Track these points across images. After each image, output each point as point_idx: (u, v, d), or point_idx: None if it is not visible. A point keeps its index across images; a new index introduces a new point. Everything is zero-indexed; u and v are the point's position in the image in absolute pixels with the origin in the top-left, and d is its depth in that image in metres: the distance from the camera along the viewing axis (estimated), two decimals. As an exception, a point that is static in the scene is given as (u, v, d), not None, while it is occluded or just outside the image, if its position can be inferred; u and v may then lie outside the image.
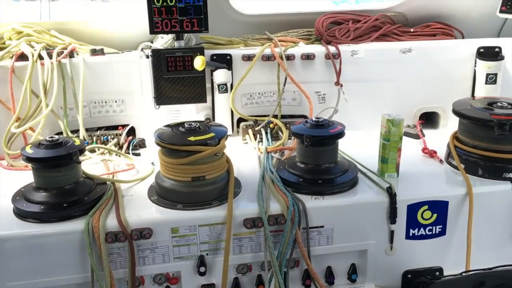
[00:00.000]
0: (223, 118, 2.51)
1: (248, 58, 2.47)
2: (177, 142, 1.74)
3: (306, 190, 1.87)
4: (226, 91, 2.46)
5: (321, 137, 1.89)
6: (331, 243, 1.85)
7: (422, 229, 1.91)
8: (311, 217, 1.79)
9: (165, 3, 2.24)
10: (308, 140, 1.86)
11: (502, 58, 2.46)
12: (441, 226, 1.92)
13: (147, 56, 2.35)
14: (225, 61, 2.46)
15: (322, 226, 1.83)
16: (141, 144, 2.38)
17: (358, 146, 2.26)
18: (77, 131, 2.33)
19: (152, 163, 2.13)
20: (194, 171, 1.75)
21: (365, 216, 1.86)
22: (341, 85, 2.52)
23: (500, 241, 1.98)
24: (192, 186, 1.77)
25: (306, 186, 1.89)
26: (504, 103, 2.05)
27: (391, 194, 1.84)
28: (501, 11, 2.60)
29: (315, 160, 1.94)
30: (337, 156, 1.98)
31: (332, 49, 2.53)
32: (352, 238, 1.87)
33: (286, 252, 1.72)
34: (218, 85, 2.44)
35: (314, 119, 1.95)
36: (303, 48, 2.56)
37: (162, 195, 1.82)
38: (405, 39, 2.69)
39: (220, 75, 2.44)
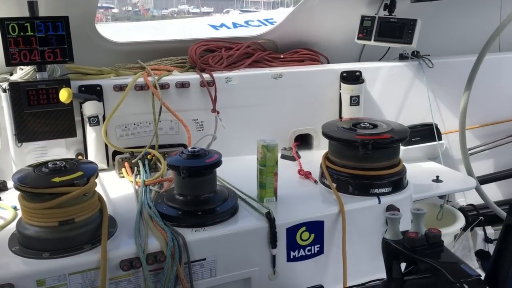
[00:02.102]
0: (96, 152, 2.37)
1: (120, 88, 2.38)
2: (39, 185, 1.59)
3: (186, 223, 1.83)
4: (98, 123, 2.33)
5: (198, 168, 1.86)
6: (215, 275, 1.81)
7: (302, 250, 1.96)
8: (193, 251, 1.75)
9: (22, 33, 2.07)
10: (185, 171, 1.82)
11: (363, 81, 2.66)
12: (319, 245, 1.99)
13: (4, 90, 2.15)
14: (95, 92, 2.34)
15: (204, 259, 1.79)
16: (2, 187, 2.15)
17: (238, 172, 2.28)
18: None
19: (15, 207, 1.93)
20: (61, 214, 1.61)
21: (247, 244, 1.86)
22: (218, 112, 2.53)
23: (374, 253, 2.07)
24: (59, 231, 1.62)
25: (186, 219, 1.84)
26: (366, 123, 2.21)
27: (270, 219, 1.87)
28: (358, 38, 2.83)
29: (194, 191, 1.90)
30: (216, 185, 1.97)
31: (206, 76, 2.53)
32: (235, 267, 1.85)
33: (168, 291, 1.65)
34: (89, 118, 2.31)
35: (190, 149, 1.92)
36: (177, 76, 2.53)
37: (25, 244, 1.64)
38: (276, 65, 2.79)
39: (90, 107, 2.31)
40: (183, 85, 2.48)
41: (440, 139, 2.70)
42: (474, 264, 2.71)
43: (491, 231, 2.77)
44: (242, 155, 2.53)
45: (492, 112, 2.91)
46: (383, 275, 2.09)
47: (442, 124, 2.76)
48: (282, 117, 2.70)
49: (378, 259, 2.07)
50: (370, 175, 2.10)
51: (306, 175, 2.31)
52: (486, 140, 2.76)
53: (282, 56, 2.85)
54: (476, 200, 2.84)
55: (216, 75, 2.55)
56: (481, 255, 2.76)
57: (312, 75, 2.72)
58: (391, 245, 1.30)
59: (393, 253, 1.31)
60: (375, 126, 2.19)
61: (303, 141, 2.78)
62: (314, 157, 2.55)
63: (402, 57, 2.85)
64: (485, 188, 2.75)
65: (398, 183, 2.13)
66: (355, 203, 2.05)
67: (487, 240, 2.78)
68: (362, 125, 2.20)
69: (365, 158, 2.08)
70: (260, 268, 1.89)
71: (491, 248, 2.78)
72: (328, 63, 2.97)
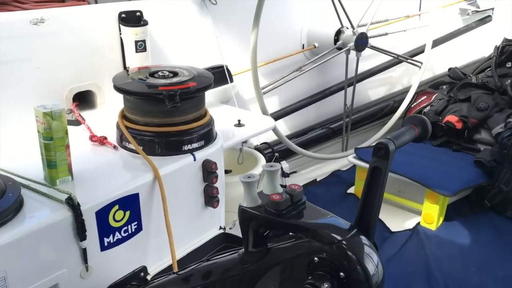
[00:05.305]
0: None
1: None
2: None
3: None
4: None
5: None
6: (8, 295, 1.34)
7: (117, 233, 1.62)
8: (-33, 274, 1.23)
9: None
10: None
11: (146, 23, 2.30)
12: (136, 223, 1.68)
13: None
14: None
15: (-11, 278, 1.29)
16: None
17: (11, 150, 1.77)
18: None
19: None
20: None
21: (46, 244, 1.42)
22: (-40, 74, 1.86)
23: (196, 212, 1.90)
24: None
25: None
26: (165, 71, 1.90)
27: (74, 206, 1.45)
28: (132, -29, 2.42)
29: (-50, 191, 1.33)
30: (-17, 176, 1.42)
31: None
32: (35, 277, 1.40)
33: None
34: None
35: None
36: None
37: None
38: (31, 7, 2.20)
39: None
40: None
41: (231, 81, 2.60)
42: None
43: (286, 165, 2.87)
44: (6, 125, 1.96)
45: (278, 47, 2.93)
46: (210, 232, 1.96)
47: (233, 65, 2.64)
48: (52, 73, 2.16)
49: (201, 215, 1.91)
50: (179, 131, 1.83)
51: (101, 140, 1.90)
52: (275, 77, 2.76)
53: (36, -4, 2.26)
54: (267, 137, 2.89)
55: None
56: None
57: (83, 18, 2.22)
58: (253, 213, 1.10)
59: (256, 222, 1.11)
60: (175, 74, 1.90)
61: (83, 100, 2.30)
62: (102, 118, 2.14)
63: (182, -6, 2.58)
64: (276, 124, 2.81)
65: (209, 135, 1.93)
66: (169, 165, 1.77)
67: (284, 174, 2.88)
68: (161, 73, 1.89)
69: (172, 112, 1.80)
70: (69, 268, 1.48)
71: (288, 180, 2.89)
72: (96, 2, 2.51)
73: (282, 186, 1.18)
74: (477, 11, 4.00)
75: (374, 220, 1.09)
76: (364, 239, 1.05)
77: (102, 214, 1.55)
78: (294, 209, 1.10)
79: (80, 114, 2.13)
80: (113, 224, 1.60)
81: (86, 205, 1.49)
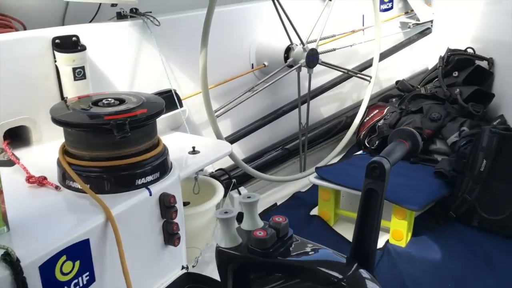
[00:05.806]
0: None
1: None
2: None
3: None
4: None
5: None
6: None
7: (67, 289, 1.39)
8: None
9: None
10: None
11: (84, 48, 2.10)
12: (88, 273, 1.46)
13: None
14: None
15: None
16: None
17: None
18: None
19: None
20: None
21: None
22: None
23: (156, 252, 1.71)
24: None
25: None
26: (110, 99, 1.71)
27: (12, 262, 1.23)
28: (65, -6, 2.22)
29: None
30: None
31: None
32: None
33: None
34: None
35: None
36: None
37: None
38: (-50, 36, 1.94)
39: None
40: None
41: (181, 105, 2.43)
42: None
43: (244, 191, 2.72)
44: None
45: (226, 68, 2.79)
46: (173, 273, 1.77)
47: (181, 88, 2.48)
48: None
49: (162, 258, 1.72)
50: (131, 163, 1.64)
51: (40, 181, 1.67)
52: (225, 99, 2.62)
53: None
54: (222, 163, 2.73)
55: None
56: (240, 217, 2.68)
57: (11, 46, 1.98)
58: (233, 254, 0.93)
59: (236, 264, 0.94)
60: (122, 101, 1.72)
61: (16, 137, 2.05)
62: (39, 156, 1.91)
63: (121, 16, 2.40)
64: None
65: (164, 166, 1.75)
66: (122, 203, 1.57)
67: (244, 201, 2.71)
68: (106, 101, 1.69)
69: (121, 143, 1.61)
70: None
71: (248, 208, 2.73)
72: (25, 28, 2.28)
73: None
74: (417, 24, 4.09)
75: (373, 249, 0.96)
76: (364, 273, 0.92)
77: (47, 268, 1.33)
78: (281, 246, 0.95)
79: (13, 153, 1.88)
80: (61, 278, 1.38)
81: (27, 260, 1.27)
